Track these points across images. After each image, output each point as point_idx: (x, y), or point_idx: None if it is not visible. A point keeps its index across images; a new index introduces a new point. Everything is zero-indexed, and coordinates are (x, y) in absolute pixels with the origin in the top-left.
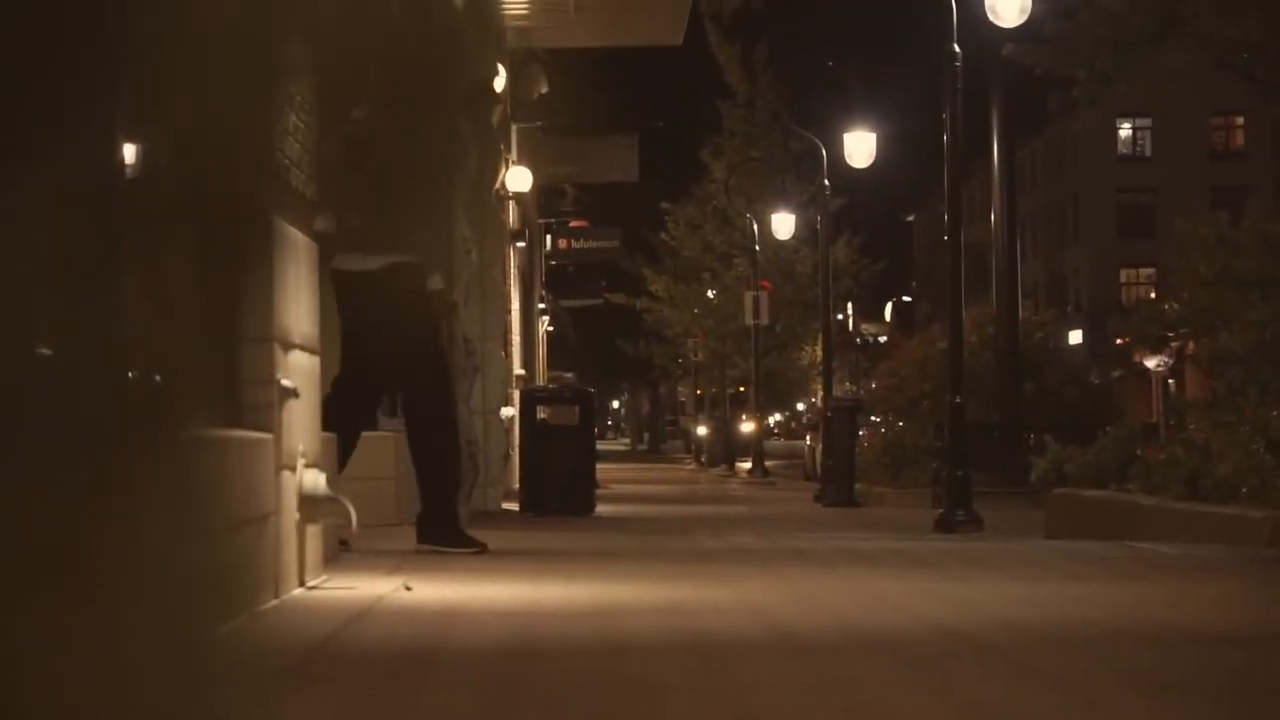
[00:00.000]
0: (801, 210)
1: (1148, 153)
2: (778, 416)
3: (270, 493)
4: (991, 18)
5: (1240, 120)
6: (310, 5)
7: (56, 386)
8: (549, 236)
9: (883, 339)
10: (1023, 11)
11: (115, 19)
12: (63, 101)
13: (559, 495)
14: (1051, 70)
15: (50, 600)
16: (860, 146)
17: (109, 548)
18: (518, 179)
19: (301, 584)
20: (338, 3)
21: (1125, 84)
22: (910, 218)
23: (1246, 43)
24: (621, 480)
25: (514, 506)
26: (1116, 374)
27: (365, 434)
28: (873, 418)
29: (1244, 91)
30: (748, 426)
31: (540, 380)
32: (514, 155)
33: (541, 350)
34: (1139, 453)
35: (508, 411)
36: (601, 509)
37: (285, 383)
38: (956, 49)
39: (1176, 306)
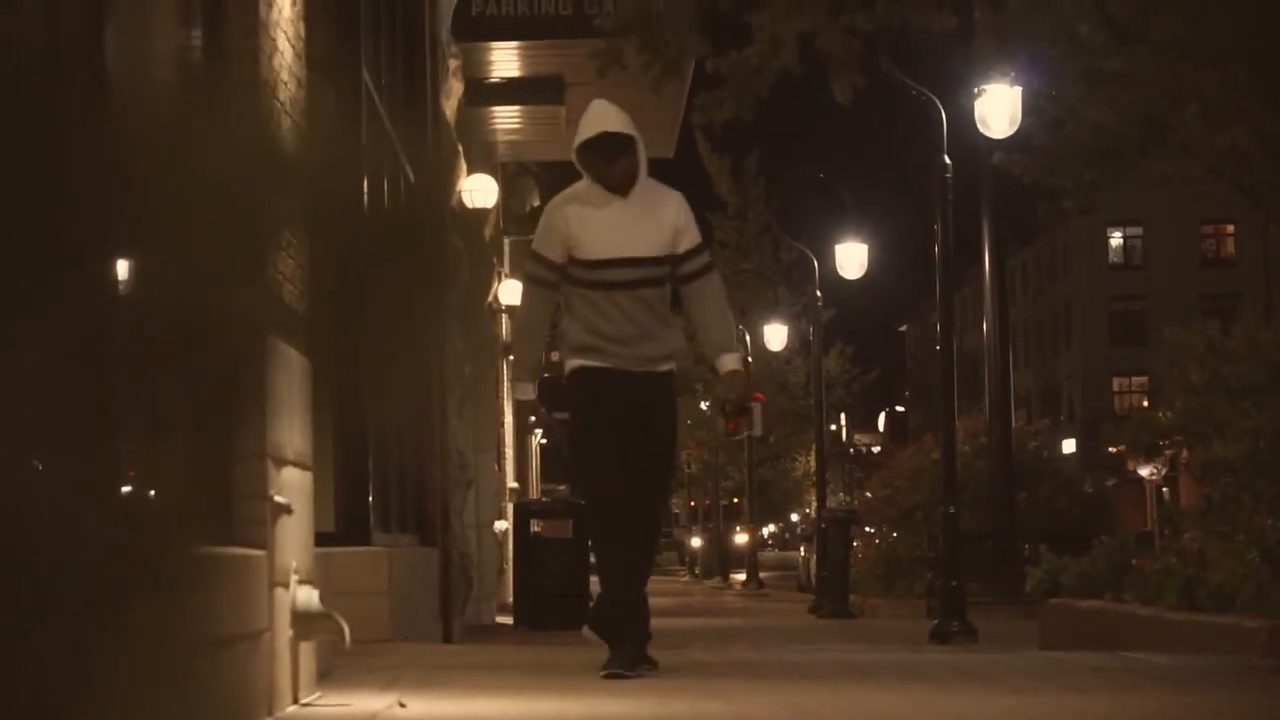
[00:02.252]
0: (794, 321)
1: (1139, 261)
2: (771, 528)
3: (263, 609)
4: (981, 129)
5: (1231, 228)
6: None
7: (44, 507)
8: None
9: (876, 449)
10: (1013, 123)
11: (107, 142)
12: (56, 225)
13: (553, 609)
14: (1040, 180)
15: None
16: (852, 257)
17: (100, 671)
18: (510, 292)
19: (295, 701)
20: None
21: (1115, 193)
22: (902, 328)
23: (1234, 151)
24: None
25: (508, 620)
26: (1110, 482)
27: (358, 549)
28: (866, 528)
29: (1234, 200)
30: (742, 538)
31: (534, 493)
32: (506, 268)
33: (535, 463)
34: (1134, 562)
35: (501, 525)
36: None
37: (278, 499)
38: (947, 160)
39: (1169, 415)
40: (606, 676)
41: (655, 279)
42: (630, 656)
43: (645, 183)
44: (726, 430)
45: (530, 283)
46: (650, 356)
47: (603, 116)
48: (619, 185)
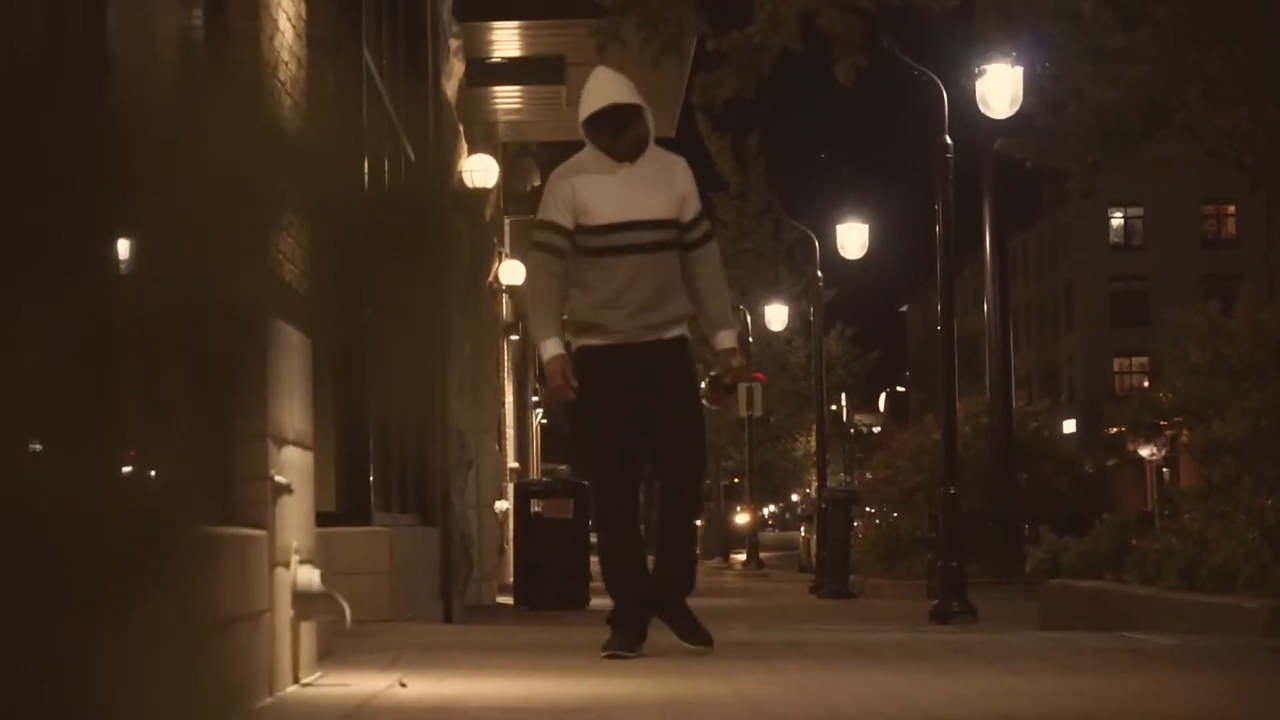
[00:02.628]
0: (794, 301)
1: (1140, 242)
2: (772, 508)
3: (264, 589)
4: (983, 109)
5: (1232, 209)
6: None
7: (46, 489)
8: None
9: (877, 430)
10: (1014, 102)
11: (109, 127)
12: (58, 207)
13: (554, 589)
14: (1042, 162)
15: (43, 705)
16: (853, 238)
17: (103, 652)
18: (511, 272)
19: (296, 681)
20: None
21: (1116, 175)
22: (903, 308)
23: (1236, 133)
24: None
25: (509, 600)
26: (1111, 463)
27: (359, 529)
28: (867, 509)
29: (1235, 180)
30: (742, 518)
31: (534, 473)
32: (507, 248)
33: (535, 443)
34: (1134, 542)
35: (502, 505)
36: (596, 602)
37: (279, 479)
38: (948, 141)
39: (1170, 395)
40: (607, 657)
41: (666, 243)
42: (633, 639)
43: (651, 148)
44: (715, 400)
45: (539, 250)
46: (656, 324)
47: (608, 87)
48: (627, 155)
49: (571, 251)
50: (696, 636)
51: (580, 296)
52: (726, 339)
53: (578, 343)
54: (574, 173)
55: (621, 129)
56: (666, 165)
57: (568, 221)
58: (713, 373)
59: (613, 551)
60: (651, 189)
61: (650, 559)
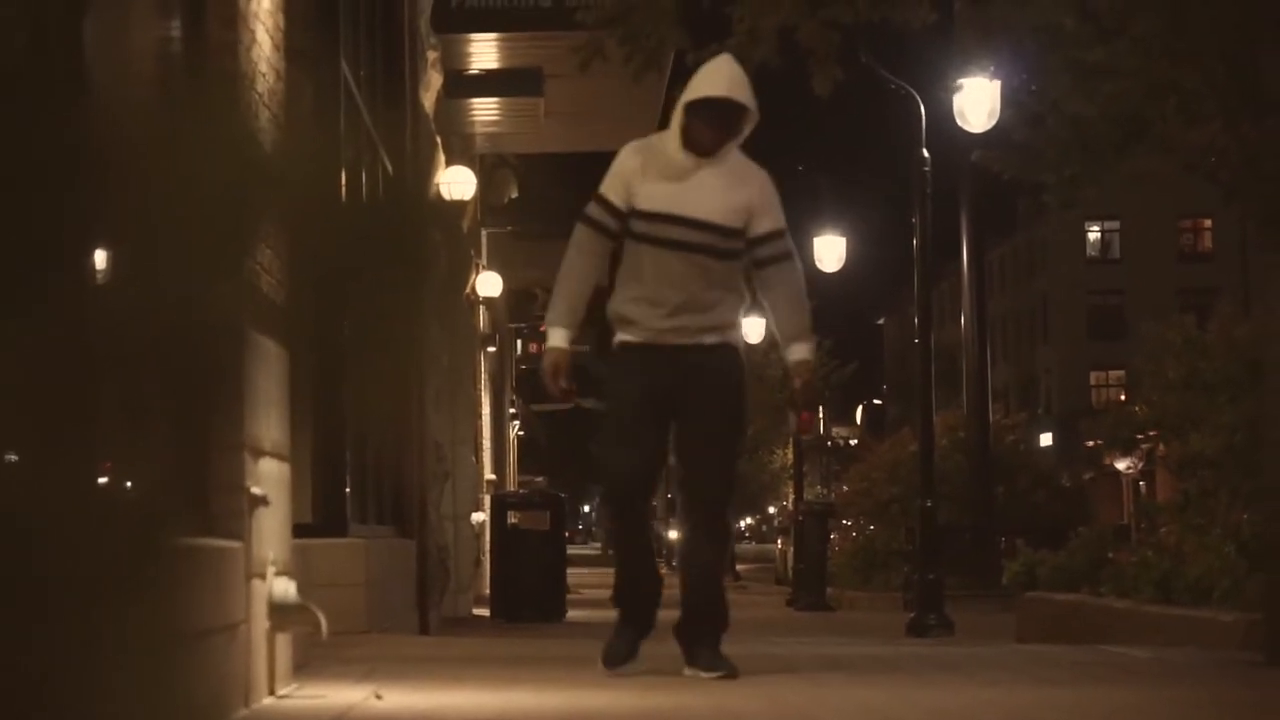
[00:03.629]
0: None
1: (1116, 255)
2: (749, 520)
3: (240, 601)
4: (960, 123)
5: (1208, 223)
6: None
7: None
8: (519, 341)
9: (854, 442)
10: (991, 116)
11: (87, 138)
12: (36, 216)
13: (530, 601)
14: (1019, 176)
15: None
16: (830, 250)
17: (78, 665)
18: (488, 284)
19: (271, 693)
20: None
21: (1094, 188)
22: (881, 321)
23: (1212, 148)
24: (593, 585)
25: (485, 612)
26: (1087, 476)
27: (335, 540)
28: (844, 521)
29: (1211, 195)
30: None
31: (511, 485)
32: (484, 260)
33: (512, 455)
34: (1110, 555)
35: (478, 516)
36: (573, 614)
37: (255, 490)
38: (926, 154)
39: (1146, 409)
40: (606, 671)
41: (717, 250)
42: (628, 649)
43: (734, 153)
44: (797, 427)
45: (583, 224)
46: (693, 328)
47: (729, 79)
48: (711, 151)
49: (622, 234)
50: (714, 667)
51: (622, 286)
52: (799, 351)
53: (616, 337)
54: (646, 150)
55: (724, 129)
56: (743, 174)
57: (622, 201)
58: (787, 392)
59: (618, 556)
60: (717, 192)
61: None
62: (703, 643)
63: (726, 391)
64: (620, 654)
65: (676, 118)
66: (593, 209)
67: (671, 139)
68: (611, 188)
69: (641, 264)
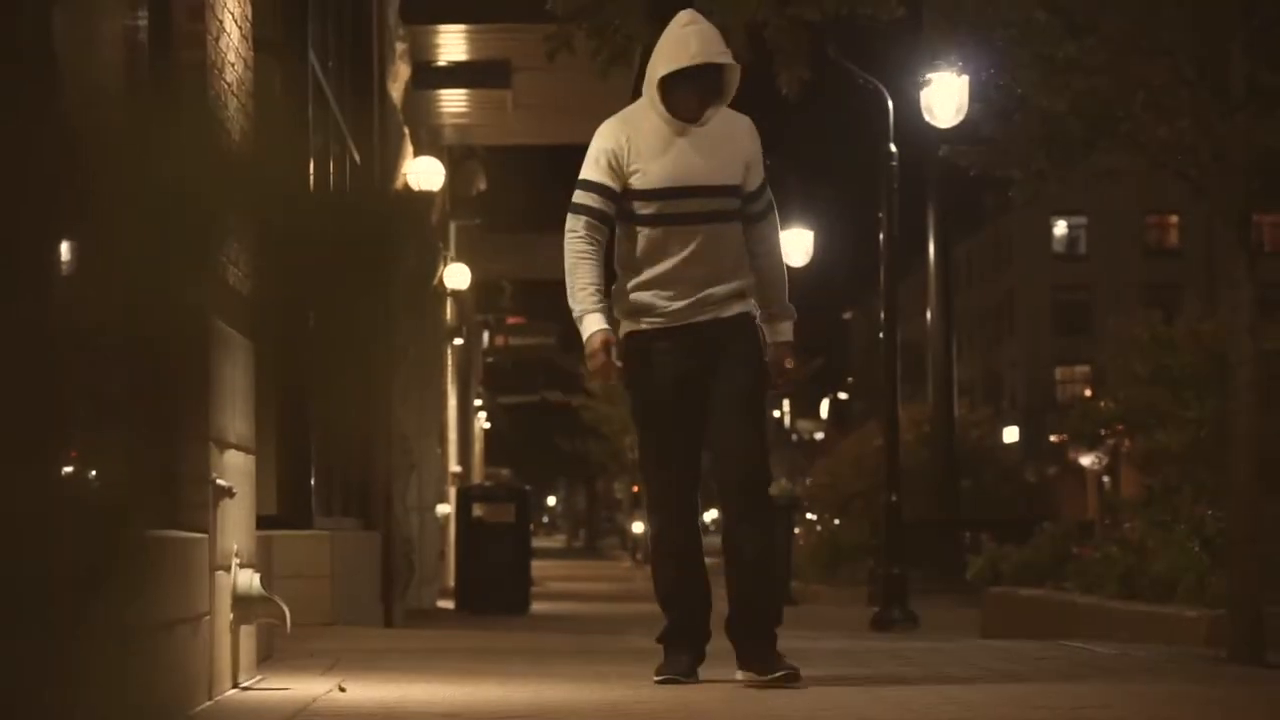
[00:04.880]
0: None
1: (1083, 251)
2: (714, 513)
3: (204, 593)
4: (928, 118)
5: (1174, 219)
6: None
7: None
8: (486, 333)
9: (819, 436)
10: (959, 110)
11: (53, 130)
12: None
13: (494, 593)
14: (987, 171)
15: None
16: (797, 245)
17: (40, 654)
18: (456, 276)
19: (235, 685)
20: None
21: (1061, 184)
22: (847, 315)
23: (1180, 144)
24: (557, 577)
25: (450, 605)
26: (1052, 471)
27: (300, 532)
28: (809, 515)
29: (1178, 190)
30: None
31: (476, 477)
32: (452, 252)
33: (478, 447)
34: (1075, 551)
35: (443, 509)
36: (537, 606)
37: (220, 482)
38: (893, 149)
39: (1112, 404)
40: (661, 682)
41: (727, 212)
42: (686, 661)
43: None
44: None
45: (576, 214)
46: (715, 300)
47: (701, 42)
48: (700, 117)
49: (616, 219)
50: (771, 668)
51: (626, 274)
52: (783, 331)
53: (625, 326)
54: (627, 125)
55: (709, 90)
56: (731, 124)
57: (614, 181)
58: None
59: (662, 561)
60: (716, 150)
61: (710, 572)
62: (758, 641)
63: (753, 365)
64: (682, 666)
65: (650, 91)
66: (586, 198)
67: (652, 109)
68: (600, 170)
69: (650, 247)
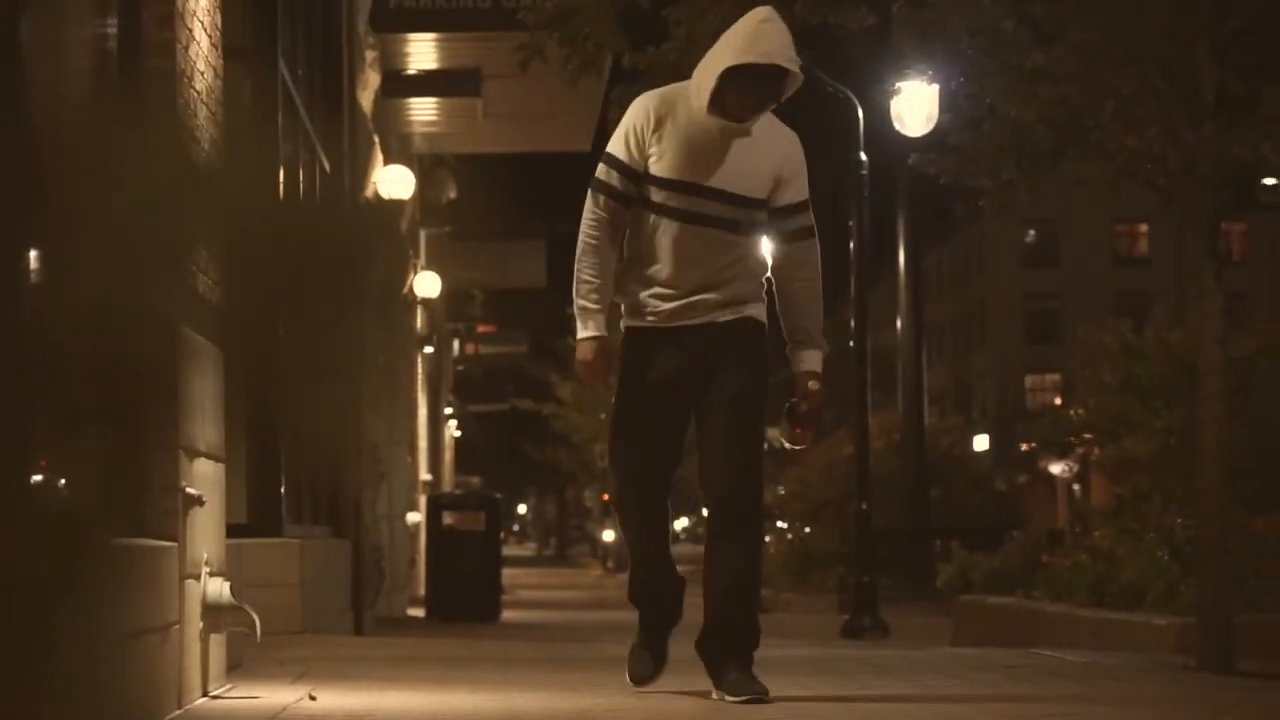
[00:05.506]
0: None
1: (1053, 259)
2: (685, 521)
3: (174, 601)
4: (898, 127)
5: (1144, 227)
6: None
7: None
8: (457, 341)
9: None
10: (929, 120)
11: (21, 137)
12: None
13: (465, 601)
14: (957, 180)
15: None
16: (764, 252)
17: (7, 663)
18: (426, 284)
19: (205, 693)
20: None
21: (1030, 193)
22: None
23: (1149, 153)
24: (528, 586)
25: (420, 612)
26: (1022, 479)
27: (270, 540)
28: (779, 523)
29: (1147, 199)
30: None
31: (447, 485)
32: (422, 260)
33: (448, 455)
34: (1045, 559)
35: (414, 517)
36: (508, 615)
37: (190, 490)
38: (863, 158)
39: (1082, 413)
40: (633, 685)
41: (737, 223)
42: (646, 664)
43: (766, 114)
44: (788, 438)
45: (596, 191)
46: (712, 304)
47: (779, 42)
48: (744, 119)
49: (635, 200)
50: (740, 689)
51: (631, 264)
52: (809, 360)
53: (624, 322)
54: (665, 106)
55: (764, 94)
56: (772, 138)
57: (637, 161)
58: (789, 401)
59: (632, 558)
60: (748, 158)
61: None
62: (731, 660)
63: (752, 373)
64: (647, 668)
65: (707, 78)
66: (607, 174)
67: (696, 97)
68: (624, 147)
69: (653, 238)
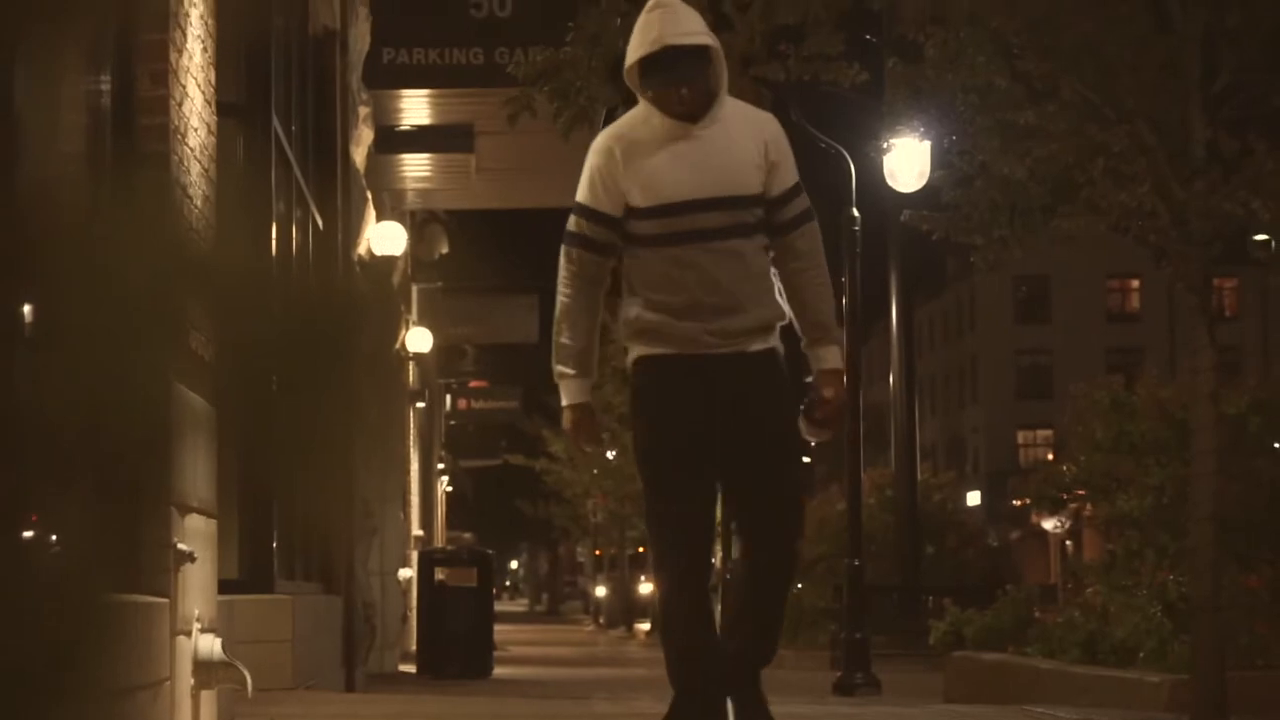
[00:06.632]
0: None
1: (1045, 315)
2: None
3: (165, 658)
4: (890, 182)
5: (1136, 283)
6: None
7: None
8: (449, 397)
9: None
10: (921, 176)
11: (15, 194)
12: None
13: (457, 657)
14: (949, 236)
15: None
16: None
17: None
18: (418, 339)
19: None
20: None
21: (1022, 249)
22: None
23: (1140, 210)
24: (520, 641)
25: (411, 668)
26: (1015, 535)
27: (261, 596)
28: None
29: (1139, 254)
30: (647, 587)
31: (439, 541)
32: (414, 316)
33: (440, 511)
34: (1037, 615)
35: (405, 573)
36: (500, 671)
37: (182, 546)
38: (855, 213)
39: (1074, 469)
40: None
41: (745, 225)
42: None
43: (725, 102)
44: (813, 433)
45: (570, 245)
46: (737, 331)
47: (666, 22)
48: (690, 112)
49: (620, 245)
50: (745, 706)
51: (632, 300)
52: (827, 357)
53: (635, 351)
54: (621, 135)
55: (692, 77)
56: (746, 123)
57: (612, 206)
58: (804, 402)
59: (670, 623)
60: (724, 153)
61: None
62: (741, 674)
63: (781, 408)
64: None
65: (639, 91)
66: (577, 224)
67: (641, 117)
68: (591, 193)
69: (656, 271)
